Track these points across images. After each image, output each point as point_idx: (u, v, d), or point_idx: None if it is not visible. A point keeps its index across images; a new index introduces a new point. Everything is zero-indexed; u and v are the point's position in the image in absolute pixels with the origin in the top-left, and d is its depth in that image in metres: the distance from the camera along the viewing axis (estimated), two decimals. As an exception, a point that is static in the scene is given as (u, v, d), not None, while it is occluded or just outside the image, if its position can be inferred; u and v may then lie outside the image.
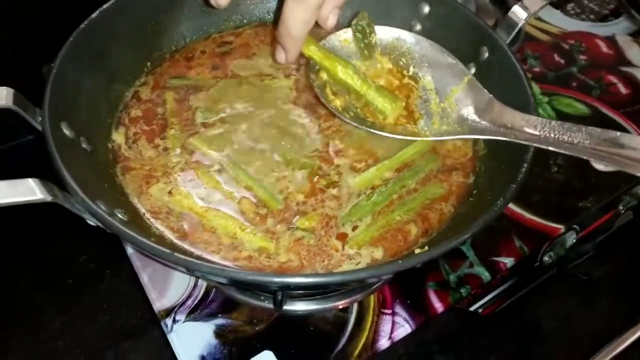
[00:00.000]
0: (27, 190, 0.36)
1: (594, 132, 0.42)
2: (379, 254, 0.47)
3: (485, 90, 0.50)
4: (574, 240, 0.68)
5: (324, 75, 0.52)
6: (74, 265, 0.66)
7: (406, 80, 0.54)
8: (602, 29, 0.91)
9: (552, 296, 0.72)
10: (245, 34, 0.65)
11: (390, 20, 0.63)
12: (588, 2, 0.96)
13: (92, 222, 0.40)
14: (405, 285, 0.59)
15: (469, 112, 0.49)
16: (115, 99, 0.56)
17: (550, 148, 0.43)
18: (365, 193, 0.51)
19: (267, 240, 0.47)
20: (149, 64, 0.60)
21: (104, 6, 0.54)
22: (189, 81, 0.60)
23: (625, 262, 0.73)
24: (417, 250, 0.45)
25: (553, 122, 0.44)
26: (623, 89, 0.82)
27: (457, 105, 0.51)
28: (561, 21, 0.92)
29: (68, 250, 0.66)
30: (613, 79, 0.84)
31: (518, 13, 0.56)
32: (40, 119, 0.44)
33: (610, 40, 0.89)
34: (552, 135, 0.44)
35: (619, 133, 0.41)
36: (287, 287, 0.42)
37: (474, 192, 0.51)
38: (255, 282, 0.40)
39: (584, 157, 0.42)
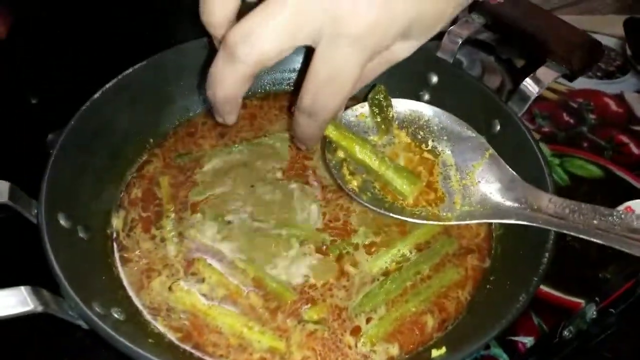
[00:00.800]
0: (17, 302, 0.33)
1: (626, 218, 0.40)
2: (394, 350, 0.44)
3: (508, 166, 0.48)
4: (594, 314, 0.64)
5: (341, 154, 0.51)
6: None
7: (425, 154, 0.53)
8: (610, 87, 0.90)
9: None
10: (251, 105, 0.64)
11: (399, 92, 0.62)
12: (594, 59, 0.96)
13: (85, 326, 0.38)
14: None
15: (492, 191, 0.47)
16: (115, 181, 0.54)
17: (581, 235, 0.40)
18: (378, 279, 0.48)
19: (277, 339, 0.44)
20: (151, 140, 0.58)
21: (106, 86, 0.53)
22: (192, 156, 0.58)
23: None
24: (435, 353, 0.42)
25: (583, 206, 0.42)
26: (635, 150, 0.80)
27: (479, 183, 0.48)
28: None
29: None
30: (624, 138, 0.82)
31: (530, 87, 0.54)
32: (35, 211, 0.42)
33: (619, 98, 0.88)
34: (581, 219, 0.41)
35: None
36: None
37: (491, 278, 0.48)
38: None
39: (617, 247, 0.39)
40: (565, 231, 0.41)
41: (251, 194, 0.54)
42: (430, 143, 0.53)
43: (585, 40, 0.53)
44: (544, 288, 0.63)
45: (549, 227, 0.42)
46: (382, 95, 0.53)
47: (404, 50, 0.44)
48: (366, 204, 0.48)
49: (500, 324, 0.37)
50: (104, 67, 0.56)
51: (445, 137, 0.52)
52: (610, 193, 0.73)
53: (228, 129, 0.61)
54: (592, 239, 0.39)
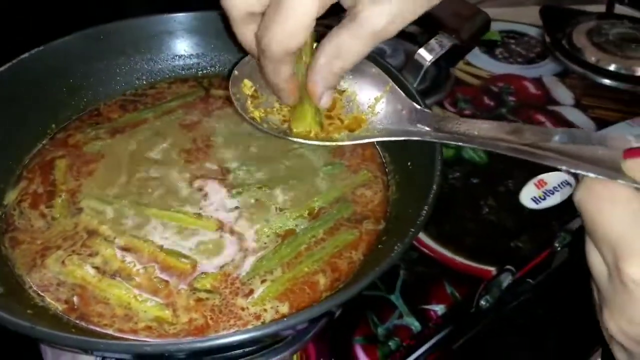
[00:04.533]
0: None
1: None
2: (284, 309, 0.44)
3: (406, 96, 0.49)
4: (510, 282, 0.66)
5: (247, 90, 0.51)
6: None
7: None
8: (530, 71, 0.94)
9: (496, 342, 0.70)
10: (159, 87, 0.65)
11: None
12: (515, 46, 0.99)
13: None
14: (330, 341, 0.55)
15: (393, 120, 0.48)
16: (10, 163, 0.53)
17: (489, 149, 0.40)
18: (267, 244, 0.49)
19: (162, 308, 0.44)
20: (53, 125, 0.58)
21: (24, 55, 0.53)
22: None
23: (566, 302, 0.71)
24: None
25: (476, 121, 0.42)
26: (551, 127, 0.82)
27: (378, 113, 0.50)
28: (490, 65, 0.94)
29: None
30: (541, 118, 0.85)
31: (424, 56, 0.56)
32: None
33: (538, 82, 0.91)
34: (489, 134, 0.41)
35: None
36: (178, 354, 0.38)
37: (383, 238, 0.49)
38: (136, 353, 0.37)
39: (523, 158, 0.39)
40: (475, 146, 0.41)
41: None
42: None
43: (474, 13, 0.55)
44: (457, 258, 0.64)
45: (438, 141, 0.44)
46: None
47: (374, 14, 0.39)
48: (266, 130, 0.48)
49: (373, 273, 0.38)
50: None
51: (350, 76, 0.53)
52: (526, 168, 0.75)
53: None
54: (498, 151, 0.39)
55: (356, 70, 0.51)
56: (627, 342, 0.33)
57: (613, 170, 0.32)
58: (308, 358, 0.54)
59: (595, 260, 0.34)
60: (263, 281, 0.46)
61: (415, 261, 0.62)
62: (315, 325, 0.51)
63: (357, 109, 0.51)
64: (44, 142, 0.57)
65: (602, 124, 0.83)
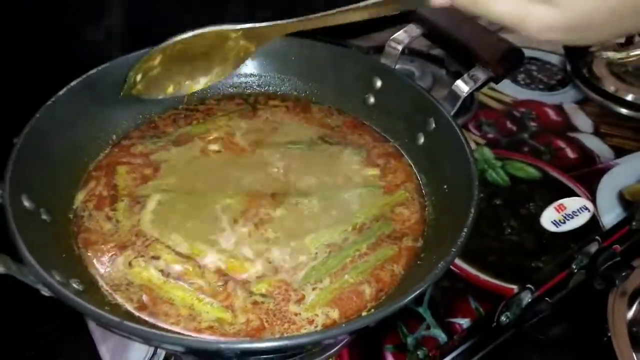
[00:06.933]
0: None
1: None
2: (334, 314, 0.49)
3: None
4: (529, 300, 0.70)
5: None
6: (35, 337, 0.65)
7: None
8: (551, 98, 0.98)
9: (514, 357, 0.73)
10: (209, 103, 0.70)
11: (347, 95, 0.68)
12: (537, 73, 1.04)
13: (46, 292, 0.41)
14: (363, 348, 0.60)
15: None
16: (77, 170, 0.58)
17: None
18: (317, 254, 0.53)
19: (223, 310, 0.48)
20: (114, 136, 0.63)
21: (72, 84, 0.57)
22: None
23: (582, 321, 0.75)
24: (364, 313, 0.47)
25: None
26: (570, 154, 0.87)
27: None
28: (513, 91, 0.99)
29: (28, 323, 0.66)
30: (561, 144, 0.89)
31: (461, 87, 0.60)
32: (1, 191, 0.45)
33: (559, 108, 0.95)
34: None
35: None
36: (239, 354, 0.42)
37: (422, 255, 0.53)
38: (203, 350, 0.41)
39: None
40: None
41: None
42: None
43: (508, 48, 0.60)
44: (481, 276, 0.68)
45: None
46: None
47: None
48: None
49: (419, 286, 0.42)
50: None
51: None
52: (546, 192, 0.79)
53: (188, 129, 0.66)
54: None
55: None
56: None
57: None
58: (342, 363, 0.58)
59: None
60: (314, 289, 0.50)
61: (442, 276, 0.67)
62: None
63: None
64: (106, 150, 0.62)
65: (620, 152, 0.87)
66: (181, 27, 0.58)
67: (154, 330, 0.39)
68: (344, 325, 0.39)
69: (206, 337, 0.45)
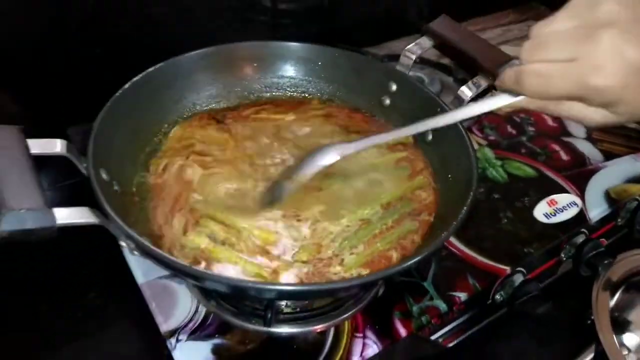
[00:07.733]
0: (85, 215, 0.48)
1: None
2: (366, 273, 0.60)
3: None
4: (521, 281, 0.79)
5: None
6: (84, 298, 0.72)
7: None
8: (548, 106, 1.07)
9: (507, 333, 0.82)
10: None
11: (364, 97, 0.78)
12: (537, 82, 1.13)
13: (125, 244, 0.52)
14: (374, 314, 0.69)
15: None
16: (139, 151, 0.69)
17: None
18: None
19: (262, 268, 0.58)
20: (166, 125, 0.73)
21: (134, 79, 0.67)
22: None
23: (569, 306, 0.84)
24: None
25: None
26: (564, 156, 0.96)
27: None
28: (514, 98, 1.08)
29: (78, 284, 0.74)
30: (556, 147, 0.98)
31: (465, 92, 0.70)
32: (85, 165, 0.56)
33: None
34: None
35: None
36: (282, 295, 0.52)
37: (432, 230, 0.64)
38: (250, 289, 0.51)
39: None
40: None
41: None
42: None
43: (507, 59, 0.70)
44: (479, 257, 0.77)
45: None
46: None
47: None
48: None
49: (422, 253, 0.52)
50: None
51: None
52: (540, 188, 0.88)
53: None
54: None
55: None
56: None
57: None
58: (357, 325, 0.68)
59: None
60: (351, 254, 0.62)
61: (444, 257, 0.76)
62: (370, 292, 0.66)
63: None
64: (159, 136, 0.72)
65: (609, 155, 0.96)
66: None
67: (211, 272, 0.50)
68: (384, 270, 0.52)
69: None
